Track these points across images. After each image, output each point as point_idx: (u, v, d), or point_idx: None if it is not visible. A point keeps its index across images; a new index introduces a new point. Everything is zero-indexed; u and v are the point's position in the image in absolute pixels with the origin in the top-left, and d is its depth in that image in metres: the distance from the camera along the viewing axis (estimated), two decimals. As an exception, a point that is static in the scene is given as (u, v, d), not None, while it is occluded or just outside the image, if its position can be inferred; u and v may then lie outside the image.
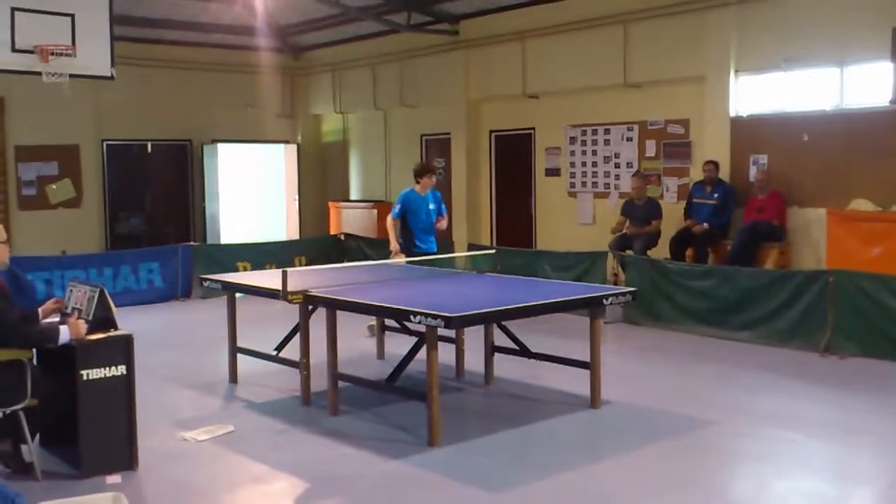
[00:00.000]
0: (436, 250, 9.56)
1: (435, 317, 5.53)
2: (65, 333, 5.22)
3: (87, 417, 5.24)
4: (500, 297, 6.54)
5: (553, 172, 13.80)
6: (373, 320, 9.45)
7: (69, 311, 5.57)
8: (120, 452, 5.36)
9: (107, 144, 15.72)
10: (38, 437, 5.53)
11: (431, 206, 9.53)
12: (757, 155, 11.19)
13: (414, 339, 6.63)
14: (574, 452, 5.74)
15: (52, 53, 10.52)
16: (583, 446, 5.85)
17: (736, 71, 11.28)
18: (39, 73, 10.63)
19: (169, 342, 9.50)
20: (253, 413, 6.75)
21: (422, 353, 6.08)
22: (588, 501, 4.93)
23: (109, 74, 11.47)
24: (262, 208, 16.62)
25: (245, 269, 12.12)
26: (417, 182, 9.42)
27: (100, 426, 5.28)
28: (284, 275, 6.53)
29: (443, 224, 9.60)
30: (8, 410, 5.15)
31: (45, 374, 5.38)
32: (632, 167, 12.61)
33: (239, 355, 7.67)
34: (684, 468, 5.43)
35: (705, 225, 10.98)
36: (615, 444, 6.02)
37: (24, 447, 5.33)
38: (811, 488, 5.18)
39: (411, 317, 5.73)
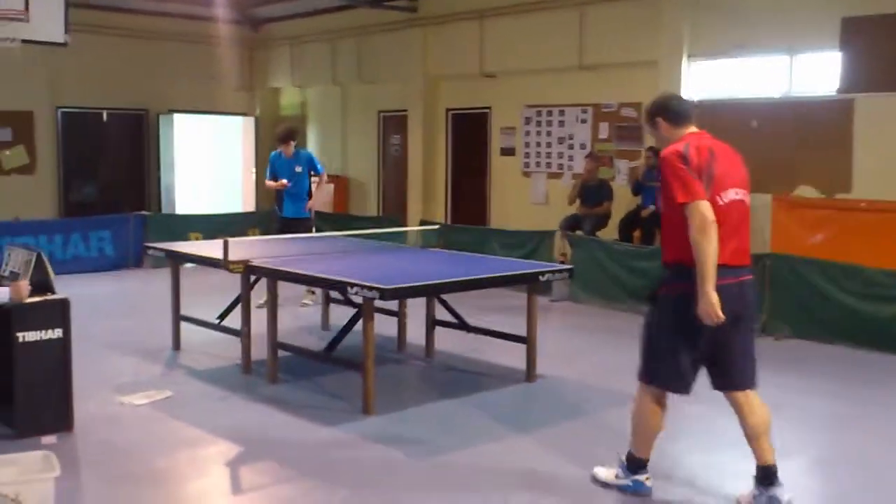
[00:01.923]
0: (301, 216, 9.69)
1: (371, 288, 5.63)
2: (3, 294, 5.25)
3: (23, 379, 5.29)
4: (439, 271, 6.64)
5: (508, 152, 13.91)
6: (307, 298, 9.59)
7: (7, 273, 5.60)
8: (56, 414, 5.42)
9: (61, 112, 15.58)
10: (-27, 398, 5.58)
11: (298, 169, 9.69)
12: (707, 140, 11.37)
13: (358, 311, 6.72)
14: (502, 424, 5.85)
15: (4, 18, 10.40)
16: (512, 418, 5.97)
17: (689, 56, 11.43)
18: (-9, 38, 10.52)
19: (115, 310, 9.51)
20: (193, 380, 6.82)
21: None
22: (505, 471, 5.04)
23: (63, 41, 11.34)
24: (218, 180, 16.54)
25: (197, 240, 12.11)
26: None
27: (35, 388, 5.33)
28: (226, 244, 6.59)
29: (320, 186, 9.85)
30: (-57, 370, 5.20)
31: (-20, 336, 5.42)
32: (585, 148, 12.76)
33: (183, 324, 7.72)
34: (605, 441, 5.51)
35: (652, 207, 11.17)
36: (543, 417, 6.14)
37: (-42, 408, 5.38)
38: (727, 461, 5.32)
39: (349, 288, 5.82)
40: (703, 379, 6.13)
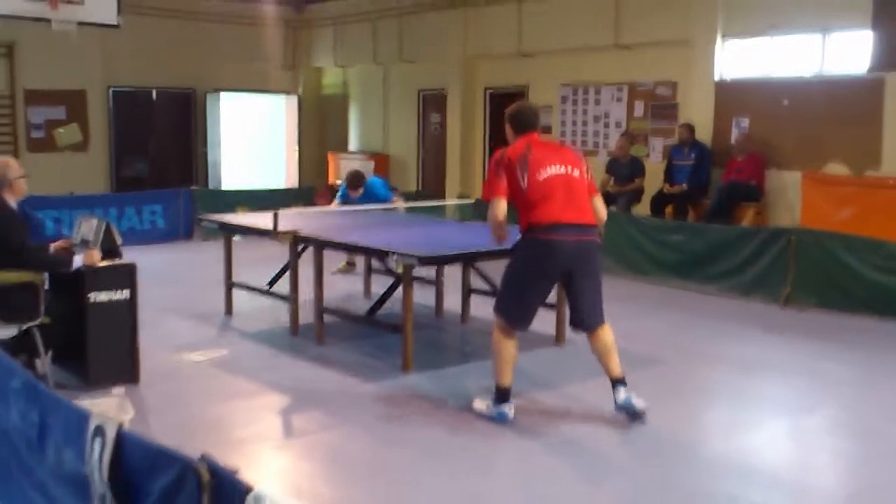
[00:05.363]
0: None
1: (409, 256, 6.07)
2: (78, 260, 5.81)
3: (94, 335, 5.83)
4: (473, 241, 7.05)
5: (545, 130, 14.21)
6: (339, 265, 10.03)
7: (78, 241, 6.12)
8: (123, 368, 5.95)
9: (113, 91, 16.15)
10: (50, 352, 6.09)
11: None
12: (739, 118, 11.62)
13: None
14: (528, 382, 6.17)
15: (61, 1, 10.93)
16: (538, 377, 6.32)
17: (723, 35, 11.64)
18: (49, 21, 11.04)
19: (170, 279, 10.04)
20: (245, 341, 7.34)
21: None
22: (530, 420, 5.47)
23: (116, 23, 11.88)
24: (262, 157, 17.09)
25: (244, 213, 12.59)
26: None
27: (105, 343, 5.87)
28: (275, 215, 7.07)
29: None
30: (24, 327, 5.73)
31: (57, 296, 5.95)
32: (620, 127, 13.04)
33: (234, 291, 8.22)
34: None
35: (684, 185, 11.44)
36: (569, 376, 6.52)
37: (38, 361, 5.89)
38: (738, 419, 5.69)
39: (389, 256, 6.26)
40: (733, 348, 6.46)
